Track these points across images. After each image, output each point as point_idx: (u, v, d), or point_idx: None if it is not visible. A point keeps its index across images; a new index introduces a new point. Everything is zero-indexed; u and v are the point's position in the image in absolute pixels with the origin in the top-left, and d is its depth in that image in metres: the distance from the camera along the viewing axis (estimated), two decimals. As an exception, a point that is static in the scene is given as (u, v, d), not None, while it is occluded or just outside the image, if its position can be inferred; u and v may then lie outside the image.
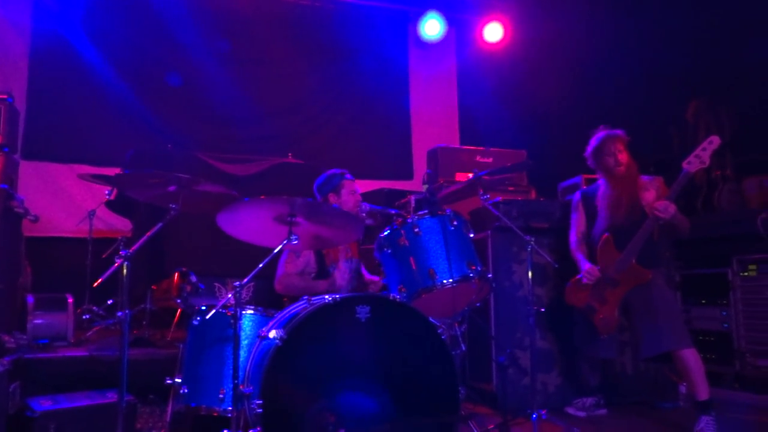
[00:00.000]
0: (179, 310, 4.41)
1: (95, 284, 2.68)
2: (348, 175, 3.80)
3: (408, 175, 7.50)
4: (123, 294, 2.75)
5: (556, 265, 3.57)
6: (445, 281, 2.84)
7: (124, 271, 2.70)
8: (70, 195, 6.14)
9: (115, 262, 2.71)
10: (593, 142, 3.77)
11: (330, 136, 7.27)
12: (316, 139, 7.19)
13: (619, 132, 3.73)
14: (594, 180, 4.05)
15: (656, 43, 6.05)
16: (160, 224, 2.89)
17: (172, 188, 2.97)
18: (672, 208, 3.38)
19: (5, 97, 4.09)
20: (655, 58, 6.03)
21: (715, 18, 5.45)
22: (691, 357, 3.40)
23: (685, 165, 3.35)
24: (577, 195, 3.99)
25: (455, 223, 2.98)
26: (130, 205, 5.13)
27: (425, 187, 3.16)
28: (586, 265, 3.69)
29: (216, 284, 4.30)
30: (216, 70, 6.70)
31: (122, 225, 5.85)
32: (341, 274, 3.60)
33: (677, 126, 6.09)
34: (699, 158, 3.32)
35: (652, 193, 3.66)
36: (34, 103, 6.12)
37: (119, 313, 2.72)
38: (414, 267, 2.90)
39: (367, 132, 7.38)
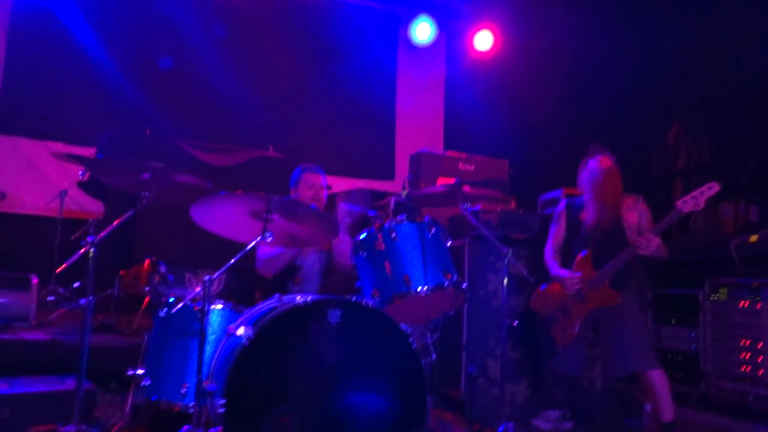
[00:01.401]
0: (147, 298, 4.32)
1: (58, 270, 2.61)
2: (314, 169, 3.72)
3: (389, 175, 7.47)
4: (88, 280, 2.67)
5: (532, 279, 3.57)
6: (419, 288, 2.81)
7: (91, 256, 2.64)
8: (42, 172, 5.97)
9: (83, 247, 2.63)
10: (590, 171, 3.74)
11: (313, 131, 7.20)
12: (299, 133, 7.11)
13: (610, 164, 3.71)
14: (575, 195, 4.05)
15: (643, 61, 6.11)
16: (130, 212, 2.81)
17: (145, 176, 2.88)
18: (654, 243, 3.39)
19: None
20: (642, 76, 6.09)
21: (699, 42, 5.52)
22: (657, 378, 3.42)
23: (679, 204, 3.37)
24: (562, 205, 3.99)
25: (433, 230, 2.95)
26: (104, 188, 5.01)
27: (405, 192, 3.13)
28: (565, 273, 3.69)
29: (186, 274, 4.21)
30: (204, 57, 6.59)
31: (94, 207, 5.71)
32: (312, 264, 3.56)
33: (658, 146, 6.16)
34: (695, 200, 3.34)
35: (634, 215, 3.68)
36: (11, 74, 5.94)
37: (82, 301, 2.65)
38: (389, 272, 2.86)
39: (351, 130, 7.33)
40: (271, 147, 6.07)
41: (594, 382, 4.30)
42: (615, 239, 3.58)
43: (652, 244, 3.37)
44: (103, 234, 2.65)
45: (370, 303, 2.70)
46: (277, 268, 3.55)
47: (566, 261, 3.81)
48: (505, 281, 3.24)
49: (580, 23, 6.44)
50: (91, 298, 2.65)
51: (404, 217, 2.95)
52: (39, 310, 4.22)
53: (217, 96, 6.58)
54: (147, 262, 4.19)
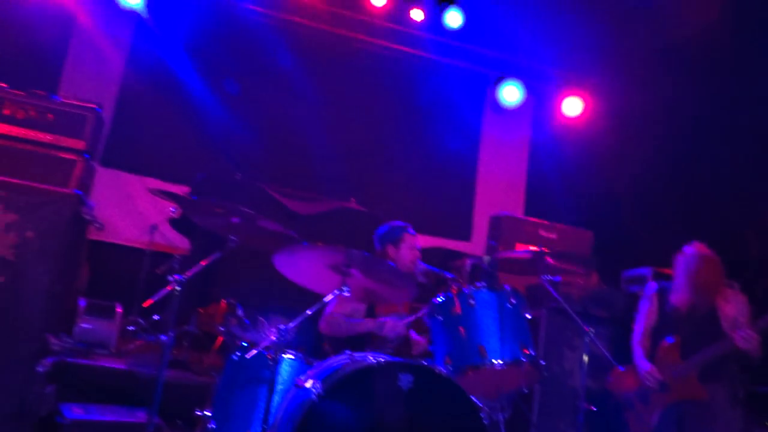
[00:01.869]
0: (220, 339, 4.40)
1: (145, 304, 2.71)
2: (410, 230, 3.75)
3: (466, 236, 7.38)
4: (170, 318, 2.75)
5: (616, 363, 3.37)
6: (494, 361, 2.70)
7: (175, 293, 2.72)
8: (137, 206, 6.29)
9: (168, 283, 2.73)
10: (686, 255, 3.57)
11: (393, 185, 7.25)
12: (380, 187, 7.18)
13: (712, 256, 3.53)
14: (664, 275, 3.85)
15: (741, 134, 5.82)
16: (217, 254, 2.90)
17: (234, 220, 2.99)
18: (755, 342, 3.17)
19: (94, 106, 4.26)
20: (740, 150, 5.78)
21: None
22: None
23: None
24: (654, 286, 3.78)
25: (513, 301, 2.86)
26: (192, 226, 5.21)
27: (486, 259, 3.06)
28: (646, 365, 3.48)
29: (260, 318, 4.27)
30: (296, 105, 6.84)
31: (181, 243, 5.94)
32: (392, 327, 3.49)
33: (755, 227, 5.78)
34: None
35: (732, 307, 3.46)
36: (121, 114, 6.38)
37: (163, 336, 2.73)
38: (464, 340, 2.78)
39: (431, 187, 7.33)
40: (353, 199, 6.16)
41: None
42: (709, 329, 3.35)
43: (753, 341, 3.15)
44: (189, 273, 2.74)
45: (443, 371, 2.62)
46: (338, 331, 3.48)
47: (652, 347, 3.59)
48: (585, 359, 3.08)
49: (673, 91, 6.24)
50: (171, 334, 2.72)
51: (484, 284, 2.88)
52: (120, 337, 4.38)
53: (304, 144, 6.78)
54: (223, 302, 4.29)
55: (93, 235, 4.97)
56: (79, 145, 4.03)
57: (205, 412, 2.93)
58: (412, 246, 3.68)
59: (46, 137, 4.00)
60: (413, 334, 3.73)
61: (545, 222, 5.02)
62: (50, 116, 4.05)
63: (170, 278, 2.75)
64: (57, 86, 6.04)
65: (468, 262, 4.80)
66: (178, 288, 2.72)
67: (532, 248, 3.46)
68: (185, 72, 6.57)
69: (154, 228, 5.30)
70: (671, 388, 3.36)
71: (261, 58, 6.76)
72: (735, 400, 3.73)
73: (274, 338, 2.59)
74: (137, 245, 5.70)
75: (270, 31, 6.78)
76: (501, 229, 4.85)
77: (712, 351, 3.26)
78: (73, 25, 6.26)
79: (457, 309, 2.85)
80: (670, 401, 3.37)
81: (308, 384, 2.50)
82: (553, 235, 4.90)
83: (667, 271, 3.76)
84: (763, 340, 3.27)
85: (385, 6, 6.76)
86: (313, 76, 7.03)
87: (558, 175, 7.12)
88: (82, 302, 4.17)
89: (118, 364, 3.90)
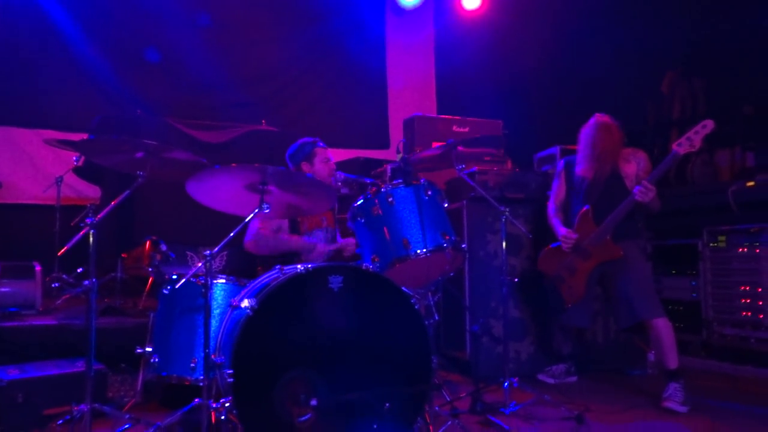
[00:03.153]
0: (151, 279, 4.35)
1: (59, 253, 2.62)
2: (320, 143, 3.74)
3: (384, 144, 7.44)
4: (90, 262, 2.69)
5: (531, 236, 3.59)
6: (419, 251, 2.82)
7: (91, 239, 2.65)
8: (36, 161, 5.96)
9: (81, 230, 2.64)
10: (587, 126, 3.73)
11: (304, 103, 7.14)
12: (290, 106, 7.06)
13: (609, 122, 3.69)
14: (572, 151, 4.04)
15: (633, 12, 6.02)
16: (127, 192, 2.81)
17: (139, 155, 2.87)
18: (652, 192, 3.37)
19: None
20: (632, 29, 6.01)
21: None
22: (663, 326, 3.46)
23: (675, 146, 3.34)
24: (561, 163, 3.98)
25: (429, 192, 2.95)
26: (99, 172, 5.00)
27: (399, 156, 3.12)
28: (562, 230, 3.72)
29: (188, 252, 4.23)
30: (189, 36, 6.50)
31: (91, 192, 5.71)
32: (320, 254, 3.55)
33: (652, 98, 6.11)
34: (690, 141, 3.30)
35: (633, 165, 3.67)
36: (-1, 64, 5.89)
37: (86, 282, 2.67)
38: (388, 237, 2.88)
39: (343, 100, 7.27)
40: (263, 121, 6.03)
41: (596, 335, 4.37)
42: (615, 191, 3.58)
43: (650, 193, 3.37)
44: (101, 215, 2.66)
45: (371, 267, 2.72)
46: (265, 248, 3.52)
47: (567, 218, 3.83)
48: (504, 243, 3.26)
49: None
50: (94, 280, 2.66)
51: (400, 181, 2.95)
52: (44, 297, 4.25)
53: (204, 74, 6.51)
54: (147, 242, 4.21)
55: (-3, 199, 4.70)
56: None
57: (146, 349, 2.95)
58: (326, 159, 3.69)
59: None
60: (340, 239, 3.81)
61: (457, 118, 5.11)
62: None
63: (82, 224, 2.66)
64: None
65: (388, 168, 4.86)
66: (92, 231, 2.64)
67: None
68: (62, 17, 6.09)
69: (59, 181, 5.04)
70: (591, 253, 3.62)
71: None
72: (644, 254, 4.08)
73: (201, 265, 2.58)
74: (46, 202, 5.42)
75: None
76: (415, 131, 4.90)
77: (619, 211, 3.48)
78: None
79: (378, 209, 2.92)
80: (593, 266, 3.64)
81: (243, 303, 2.54)
82: (465, 129, 5.01)
83: (574, 147, 3.95)
84: (661, 192, 3.53)
85: None
86: (207, 5, 6.68)
87: (465, 71, 7.19)
88: (-3, 266, 4.00)
89: (47, 321, 3.81)
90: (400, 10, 7.50)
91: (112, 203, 2.76)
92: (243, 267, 3.98)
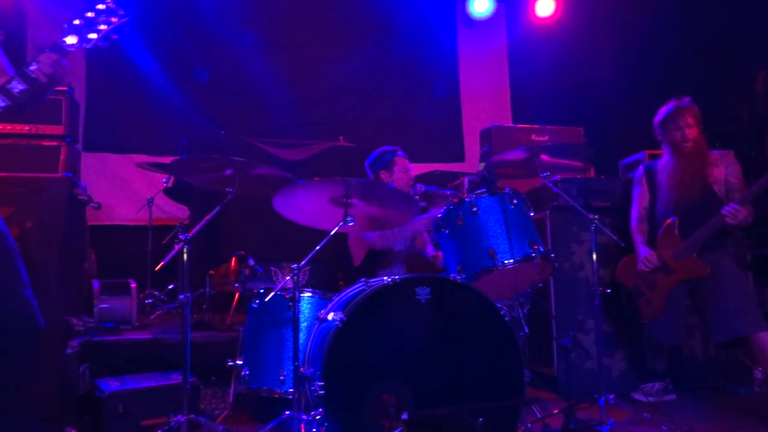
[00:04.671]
0: (237, 294, 4.47)
1: (157, 268, 2.73)
2: (400, 152, 3.75)
3: (459, 156, 7.37)
4: (183, 278, 2.79)
5: (623, 244, 3.42)
6: (506, 261, 2.75)
7: (185, 255, 2.75)
8: (129, 184, 6.31)
9: (175, 247, 2.75)
10: (660, 113, 3.58)
11: (378, 118, 7.20)
12: (365, 122, 7.15)
13: (687, 103, 3.52)
14: (658, 155, 3.86)
15: (723, 7, 5.71)
16: (217, 208, 2.91)
17: (227, 172, 2.98)
18: (742, 214, 3.18)
19: (66, 89, 4.17)
20: (722, 24, 5.69)
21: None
22: (767, 340, 3.21)
23: None
24: (641, 169, 3.81)
25: (515, 201, 2.88)
26: (187, 192, 5.21)
27: (482, 165, 3.07)
28: (644, 251, 3.54)
29: (272, 268, 4.33)
30: (263, 57, 6.75)
31: (180, 212, 5.96)
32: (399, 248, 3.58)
33: (745, 98, 5.75)
34: None
35: (721, 169, 3.46)
36: (91, 97, 6.29)
37: (180, 297, 2.77)
38: (473, 247, 2.82)
39: (416, 113, 7.27)
40: (341, 137, 6.12)
41: (695, 351, 4.11)
42: (703, 200, 3.37)
43: (739, 215, 3.16)
44: (194, 230, 2.76)
45: (458, 278, 2.67)
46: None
47: (652, 228, 3.64)
48: (594, 254, 3.12)
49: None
50: (189, 294, 2.76)
51: (484, 190, 2.90)
52: (139, 312, 4.45)
53: (281, 95, 6.72)
54: (234, 258, 4.33)
55: (93, 220, 4.97)
56: (59, 130, 3.97)
57: (237, 362, 3.03)
58: (405, 168, 3.68)
59: (24, 128, 3.95)
60: (431, 249, 3.78)
61: (535, 126, 5.00)
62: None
63: (176, 242, 2.77)
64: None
65: (465, 180, 4.81)
66: (185, 247, 2.74)
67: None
68: (140, 51, 6.50)
69: (150, 202, 5.31)
70: (674, 269, 3.42)
71: (211, 21, 6.63)
72: (741, 263, 3.81)
73: (288, 278, 2.63)
74: (138, 223, 5.72)
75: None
76: (492, 141, 4.82)
77: (706, 229, 3.29)
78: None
79: (461, 219, 2.88)
80: (675, 282, 3.44)
81: (330, 316, 2.56)
82: (545, 138, 4.88)
83: (661, 153, 3.76)
84: (757, 204, 3.29)
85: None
86: (275, 24, 6.92)
87: (541, 79, 7.05)
88: (96, 284, 4.22)
89: (143, 335, 3.98)
90: (472, 22, 7.46)
91: (205, 219, 2.86)
92: (325, 281, 4.03)
